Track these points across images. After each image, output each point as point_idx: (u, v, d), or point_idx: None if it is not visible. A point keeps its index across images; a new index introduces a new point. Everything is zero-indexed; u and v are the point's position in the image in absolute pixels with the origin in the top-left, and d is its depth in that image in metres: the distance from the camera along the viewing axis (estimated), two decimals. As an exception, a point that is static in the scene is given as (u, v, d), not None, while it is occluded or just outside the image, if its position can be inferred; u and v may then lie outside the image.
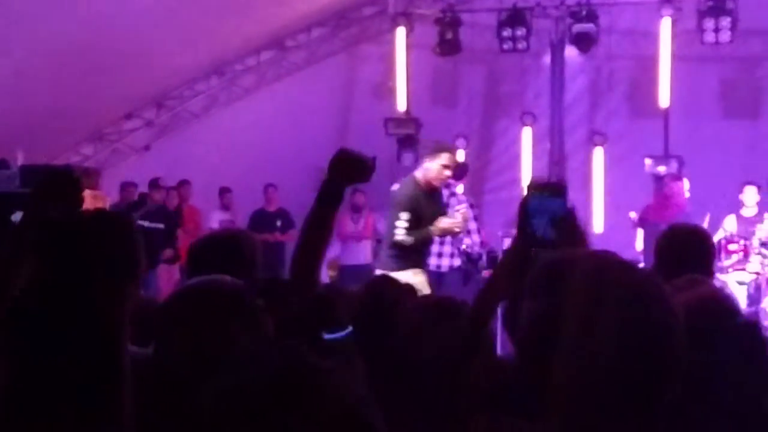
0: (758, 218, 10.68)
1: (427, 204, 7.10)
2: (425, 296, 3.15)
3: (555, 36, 12.53)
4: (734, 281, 10.44)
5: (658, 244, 4.33)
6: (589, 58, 12.82)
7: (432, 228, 6.99)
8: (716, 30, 11.48)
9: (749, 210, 10.92)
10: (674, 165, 11.93)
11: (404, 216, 6.93)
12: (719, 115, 12.83)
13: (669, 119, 12.25)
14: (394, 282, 3.78)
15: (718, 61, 12.43)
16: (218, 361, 1.48)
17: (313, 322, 2.93)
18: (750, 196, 10.90)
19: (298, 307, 2.91)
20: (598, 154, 12.80)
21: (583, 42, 12.03)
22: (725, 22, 11.43)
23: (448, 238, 9.88)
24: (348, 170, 2.96)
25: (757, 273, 10.32)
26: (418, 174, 7.16)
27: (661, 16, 11.86)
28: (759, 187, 10.87)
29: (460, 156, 12.89)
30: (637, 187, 12.16)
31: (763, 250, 10.38)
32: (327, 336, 2.92)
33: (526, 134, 13.02)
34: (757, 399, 2.18)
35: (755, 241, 10.44)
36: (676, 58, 12.00)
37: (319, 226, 2.95)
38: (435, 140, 7.93)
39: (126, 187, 11.76)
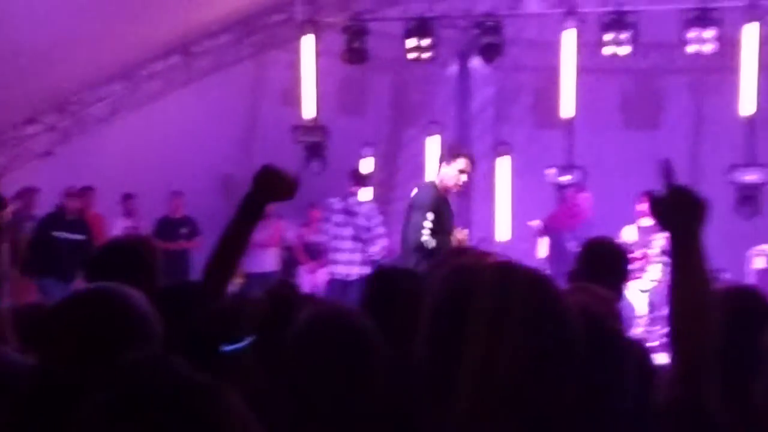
0: (656, 228, 10.88)
1: (446, 209, 7.20)
2: (320, 304, 3.13)
3: (461, 46, 12.66)
4: (636, 289, 10.67)
5: (578, 256, 4.53)
6: (494, 68, 12.99)
7: (451, 238, 7.07)
8: (617, 43, 11.72)
9: (647, 220, 11.15)
10: (577, 175, 12.16)
11: (430, 217, 7.01)
12: (620, 126, 13.12)
13: (572, 130, 12.48)
14: (295, 288, 3.76)
15: (619, 73, 12.71)
16: (102, 373, 1.45)
17: (214, 333, 2.91)
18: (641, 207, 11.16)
19: (200, 318, 2.88)
20: (503, 164, 12.97)
21: (489, 53, 12.17)
22: (626, 35, 11.68)
23: (359, 245, 9.91)
24: (272, 188, 2.94)
25: (658, 280, 10.56)
26: (436, 179, 7.29)
27: (565, 28, 12.07)
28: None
29: (368, 164, 12.95)
30: (540, 196, 12.36)
31: (663, 259, 10.62)
32: (227, 347, 2.89)
33: (432, 143, 13.12)
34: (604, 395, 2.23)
35: (655, 249, 10.68)
36: (580, 69, 12.23)
37: (236, 240, 2.93)
38: (451, 145, 7.98)
39: (25, 192, 11.47)
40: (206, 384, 1.37)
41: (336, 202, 10.28)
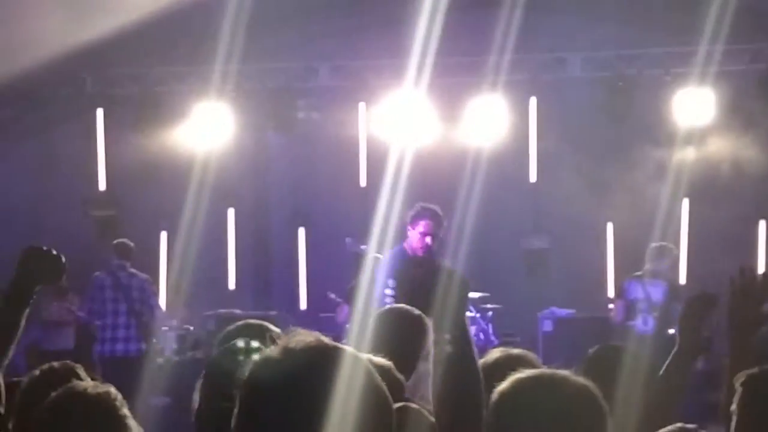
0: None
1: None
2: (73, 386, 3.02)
3: (256, 118, 12.72)
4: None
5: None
6: (291, 140, 13.09)
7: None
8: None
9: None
10: (374, 244, 12.32)
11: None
12: (416, 196, 13.36)
13: (368, 199, 12.68)
14: (75, 368, 3.63)
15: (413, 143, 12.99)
16: None
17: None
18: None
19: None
20: (302, 235, 13.03)
21: (284, 124, 12.29)
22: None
23: (133, 320, 9.73)
24: (38, 270, 2.84)
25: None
26: (405, 243, 7.25)
27: (359, 101, 12.34)
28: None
29: (164, 237, 12.75)
30: (340, 265, 12.47)
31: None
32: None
33: (230, 214, 13.05)
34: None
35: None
36: (374, 141, 12.49)
37: (5, 326, 2.82)
38: (417, 206, 7.72)
39: None
40: None
41: (105, 277, 10.08)
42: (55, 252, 2.89)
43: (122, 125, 12.40)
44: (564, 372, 2.34)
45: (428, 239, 7.27)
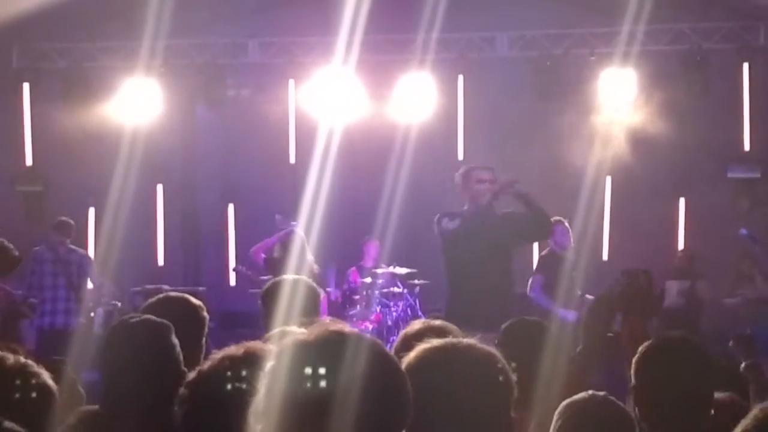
0: (378, 269, 11.35)
1: None
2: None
3: (185, 93, 12.67)
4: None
5: None
6: (220, 116, 13.06)
7: None
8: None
9: (370, 262, 11.59)
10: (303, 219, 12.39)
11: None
12: (347, 171, 13.45)
13: (297, 176, 12.74)
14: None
15: (342, 120, 13.05)
16: None
17: None
18: (371, 249, 11.58)
19: None
20: (231, 211, 13.03)
21: (213, 100, 12.27)
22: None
23: (73, 294, 9.72)
24: None
25: (379, 321, 10.94)
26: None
27: (288, 77, 12.36)
28: (377, 240, 11.59)
29: (92, 214, 12.66)
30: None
31: (383, 299, 11.03)
32: None
33: (159, 190, 12.99)
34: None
35: (375, 292, 11.09)
36: (304, 117, 12.53)
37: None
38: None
39: None
40: None
41: (45, 252, 10.05)
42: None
43: (49, 100, 12.26)
44: (470, 341, 2.41)
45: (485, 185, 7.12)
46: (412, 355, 2.40)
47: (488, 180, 7.12)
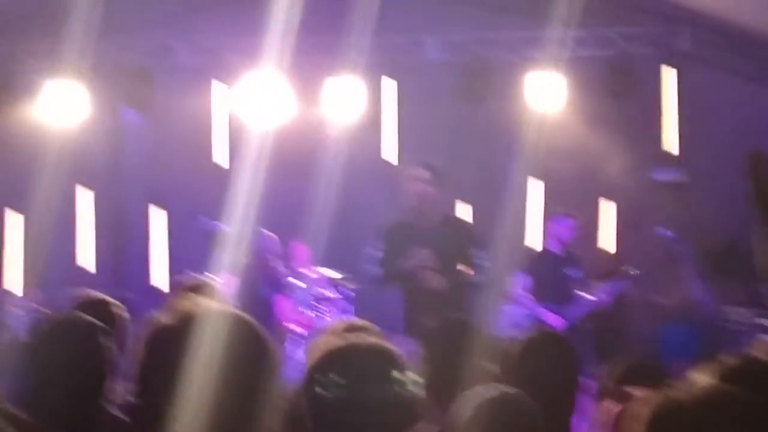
0: (310, 273, 11.28)
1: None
2: None
3: (111, 97, 12.52)
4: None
5: None
6: (147, 119, 12.90)
7: None
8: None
9: (301, 265, 11.50)
10: (232, 223, 12.30)
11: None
12: (276, 174, 13.38)
13: (227, 179, 12.63)
14: None
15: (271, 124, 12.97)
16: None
17: None
18: (300, 252, 11.50)
19: None
20: (158, 215, 12.87)
21: (140, 103, 12.14)
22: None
23: None
24: None
25: (309, 325, 10.86)
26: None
27: (216, 79, 12.27)
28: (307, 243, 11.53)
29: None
30: (198, 246, 12.37)
31: (314, 304, 10.97)
32: None
33: (85, 196, 12.78)
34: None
35: (307, 296, 11.02)
36: (233, 119, 12.44)
37: None
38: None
39: None
40: None
41: None
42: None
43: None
44: (372, 340, 2.40)
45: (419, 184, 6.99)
46: (316, 353, 2.39)
47: (419, 180, 7.04)
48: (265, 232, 10.80)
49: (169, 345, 1.67)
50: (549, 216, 9.26)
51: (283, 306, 11.11)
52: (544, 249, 9.22)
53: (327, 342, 2.40)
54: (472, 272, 6.83)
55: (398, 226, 7.07)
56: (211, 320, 1.76)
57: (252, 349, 1.74)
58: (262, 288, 10.35)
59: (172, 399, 1.63)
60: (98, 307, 3.98)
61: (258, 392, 1.68)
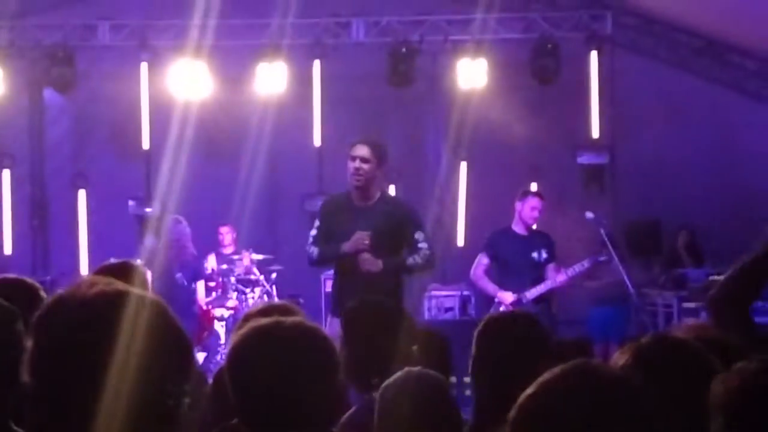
0: (235, 256, 11.25)
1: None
2: None
3: (32, 77, 12.30)
4: (213, 317, 10.92)
5: None
6: (69, 100, 12.71)
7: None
8: (192, 76, 11.92)
9: (228, 248, 11.47)
10: (158, 207, 12.19)
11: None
12: (200, 157, 13.27)
13: (151, 162, 12.52)
14: None
15: (198, 106, 12.83)
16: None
17: None
18: (226, 235, 11.47)
19: None
20: (82, 197, 12.69)
21: (62, 84, 11.94)
22: (200, 69, 11.90)
23: None
24: None
25: (235, 308, 10.84)
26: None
27: (139, 61, 12.10)
28: (233, 227, 11.49)
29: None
30: (122, 228, 12.26)
31: (240, 286, 10.95)
32: None
33: (5, 176, 12.54)
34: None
35: (232, 278, 10.99)
36: (157, 102, 12.29)
37: None
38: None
39: None
40: None
41: None
42: None
43: None
44: (296, 319, 2.42)
45: (356, 163, 6.79)
46: (239, 332, 2.41)
47: (359, 157, 6.81)
48: (178, 217, 10.70)
49: (68, 325, 1.64)
50: (520, 195, 8.99)
51: (202, 291, 11.09)
52: (508, 228, 8.95)
53: (252, 322, 2.41)
54: (409, 253, 6.76)
55: (335, 204, 6.91)
56: (118, 301, 1.72)
57: (161, 333, 1.71)
58: (179, 274, 10.30)
59: (69, 384, 1.60)
60: (14, 290, 3.87)
61: (166, 379, 1.66)
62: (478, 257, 9.07)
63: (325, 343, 2.37)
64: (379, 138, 7.78)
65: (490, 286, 8.85)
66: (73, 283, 1.81)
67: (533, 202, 8.90)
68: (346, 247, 6.61)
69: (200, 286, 11.05)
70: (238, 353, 2.34)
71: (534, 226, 8.98)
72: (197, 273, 10.76)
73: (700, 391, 2.15)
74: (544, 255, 8.81)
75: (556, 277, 8.79)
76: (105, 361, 1.63)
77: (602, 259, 9.08)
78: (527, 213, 8.84)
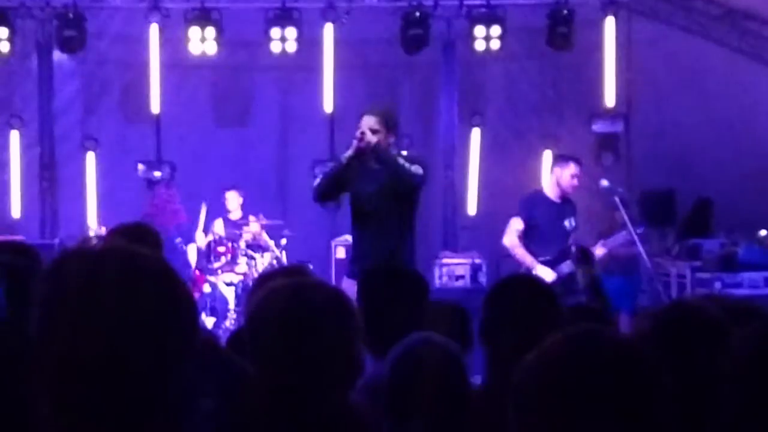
0: (244, 221, 11.17)
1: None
2: None
3: (41, 38, 12.18)
4: (223, 282, 10.86)
5: None
6: (79, 62, 12.60)
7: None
8: (202, 40, 11.79)
9: (234, 213, 11.37)
10: (167, 170, 12.14)
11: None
12: (210, 121, 13.20)
13: (160, 125, 12.43)
14: None
15: (208, 70, 12.74)
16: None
17: None
18: (232, 200, 11.35)
19: None
20: (91, 160, 12.60)
21: (71, 46, 11.82)
22: (210, 32, 11.76)
23: None
24: None
25: (245, 274, 10.78)
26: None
27: (149, 23, 11.96)
28: (240, 191, 11.40)
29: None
30: (130, 192, 12.20)
31: (249, 252, 10.88)
32: None
33: (14, 138, 12.45)
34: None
35: (242, 243, 10.91)
36: (168, 64, 12.18)
37: None
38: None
39: None
40: None
41: None
42: None
43: None
44: (315, 280, 2.39)
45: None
46: (260, 293, 2.38)
47: (371, 126, 6.61)
48: (168, 181, 10.72)
49: (78, 276, 1.55)
50: (557, 159, 8.55)
51: (193, 254, 11.15)
52: (539, 192, 8.48)
53: (271, 283, 2.38)
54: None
55: (345, 165, 6.64)
56: (127, 258, 1.63)
57: (168, 296, 1.62)
58: (180, 239, 10.34)
59: (74, 338, 1.51)
60: (20, 254, 3.79)
61: (169, 341, 1.57)
62: (511, 222, 8.36)
63: (348, 306, 2.32)
64: (388, 105, 7.62)
65: (527, 258, 8.13)
66: (83, 240, 1.72)
67: (574, 169, 8.40)
68: (346, 153, 6.40)
69: (191, 249, 11.07)
70: (260, 312, 2.29)
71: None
72: (190, 236, 10.92)
73: (718, 360, 2.11)
74: (573, 223, 8.41)
75: (595, 251, 8.41)
76: (111, 316, 1.54)
77: (639, 231, 8.62)
78: (567, 181, 8.31)
